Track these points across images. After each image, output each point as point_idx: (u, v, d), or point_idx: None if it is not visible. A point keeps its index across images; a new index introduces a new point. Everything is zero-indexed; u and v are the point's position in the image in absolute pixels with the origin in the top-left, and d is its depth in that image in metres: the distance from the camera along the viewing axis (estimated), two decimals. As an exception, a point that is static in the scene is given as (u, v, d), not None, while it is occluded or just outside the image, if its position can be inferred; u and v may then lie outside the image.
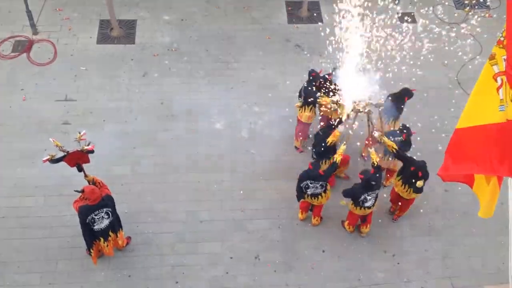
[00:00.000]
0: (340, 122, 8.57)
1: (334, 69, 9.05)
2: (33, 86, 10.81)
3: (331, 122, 8.78)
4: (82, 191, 7.53)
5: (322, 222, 8.83)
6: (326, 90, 9.03)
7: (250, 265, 8.60)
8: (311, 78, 9.12)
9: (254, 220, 9.08)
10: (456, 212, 9.32)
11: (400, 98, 9.03)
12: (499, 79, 4.95)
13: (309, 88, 9.10)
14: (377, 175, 8.09)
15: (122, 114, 10.47)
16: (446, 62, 11.47)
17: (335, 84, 8.90)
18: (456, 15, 12.42)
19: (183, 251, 8.69)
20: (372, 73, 8.31)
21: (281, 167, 9.75)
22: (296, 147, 9.99)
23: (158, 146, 10.01)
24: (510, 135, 4.94)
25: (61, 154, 7.52)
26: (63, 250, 8.57)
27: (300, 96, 9.44)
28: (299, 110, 9.39)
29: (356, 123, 8.52)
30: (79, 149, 7.59)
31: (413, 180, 8.26)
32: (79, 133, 7.61)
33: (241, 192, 9.40)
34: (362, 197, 8.07)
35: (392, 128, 9.10)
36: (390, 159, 8.85)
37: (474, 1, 12.69)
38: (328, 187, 8.41)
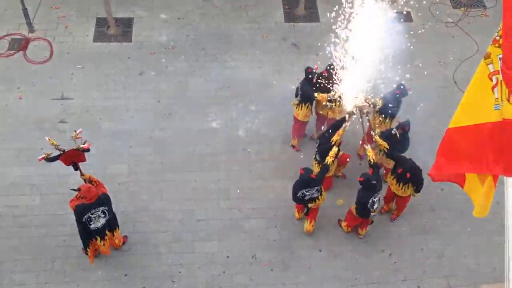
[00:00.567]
0: (344, 120, 8.56)
1: (330, 65, 9.04)
2: (29, 85, 10.78)
3: (336, 122, 8.73)
4: (79, 190, 7.51)
5: (319, 221, 8.83)
6: (322, 87, 9.02)
7: (247, 264, 8.61)
8: (307, 74, 9.12)
9: (251, 220, 9.08)
10: (452, 211, 9.35)
11: (395, 96, 9.03)
12: (494, 78, 4.96)
13: (306, 86, 9.10)
14: (376, 173, 8.09)
15: (119, 112, 10.45)
16: (442, 61, 11.48)
17: (332, 81, 8.87)
18: (450, 13, 12.43)
19: (180, 250, 8.68)
20: (367, 72, 8.32)
21: (278, 166, 9.76)
22: (292, 145, 10.00)
23: (155, 144, 9.99)
24: (505, 134, 4.94)
25: (57, 152, 7.50)
26: (60, 249, 8.56)
27: (296, 94, 9.45)
28: (296, 108, 9.40)
29: (348, 122, 8.53)
30: (75, 148, 7.57)
31: (407, 182, 8.30)
32: (75, 131, 7.60)
33: (238, 191, 9.40)
34: (370, 201, 8.02)
35: (389, 127, 9.12)
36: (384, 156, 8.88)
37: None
38: (323, 189, 8.40)
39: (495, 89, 4.95)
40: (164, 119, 10.39)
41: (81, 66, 11.15)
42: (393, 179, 8.55)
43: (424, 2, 11.46)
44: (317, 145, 8.90)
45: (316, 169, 8.98)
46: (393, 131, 8.65)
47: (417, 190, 8.51)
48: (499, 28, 4.78)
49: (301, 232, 8.95)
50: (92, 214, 7.62)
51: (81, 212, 7.57)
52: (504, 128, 4.90)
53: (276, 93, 10.70)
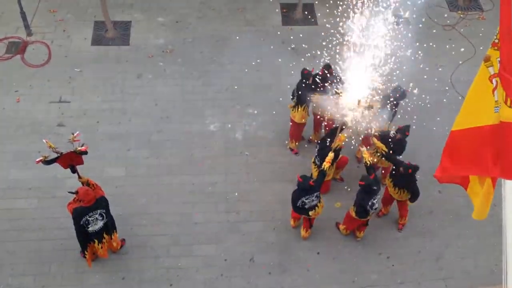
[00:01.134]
0: (344, 126, 8.58)
1: (326, 66, 9.05)
2: (27, 88, 10.77)
3: (336, 127, 8.75)
4: (76, 193, 7.51)
5: (317, 224, 8.84)
6: (319, 87, 9.02)
7: (244, 267, 8.60)
8: (303, 76, 9.12)
9: (248, 222, 9.08)
10: (450, 214, 9.36)
11: (393, 99, 9.05)
12: (494, 80, 4.98)
13: (302, 87, 9.11)
14: (375, 177, 8.08)
15: (116, 115, 10.45)
16: (439, 64, 11.51)
17: (329, 81, 8.88)
18: (447, 16, 12.47)
19: (178, 254, 8.67)
20: (365, 75, 8.33)
21: (275, 168, 9.76)
22: (290, 148, 10.00)
23: (152, 147, 9.99)
24: (502, 136, 4.96)
25: (54, 155, 7.49)
26: (57, 253, 8.53)
27: (293, 96, 9.46)
28: (292, 110, 9.41)
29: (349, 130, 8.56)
30: (72, 150, 7.56)
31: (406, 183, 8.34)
32: (73, 134, 7.59)
33: (236, 194, 9.40)
34: (370, 203, 8.04)
35: (387, 129, 9.12)
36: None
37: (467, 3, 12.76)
38: (321, 195, 8.40)
39: (495, 92, 4.97)
40: (161, 122, 10.39)
41: (79, 70, 11.15)
42: (390, 182, 8.57)
43: (418, 1, 11.48)
44: (317, 149, 8.89)
45: (315, 173, 9.00)
46: (391, 133, 8.66)
47: (413, 199, 8.54)
48: (497, 31, 4.80)
49: (298, 234, 8.95)
50: (90, 217, 7.60)
51: (79, 215, 7.56)
52: (501, 130, 4.92)
53: (274, 96, 10.72)
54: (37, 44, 11.55)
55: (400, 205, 8.88)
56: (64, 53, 11.44)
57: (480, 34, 11.85)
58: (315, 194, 8.11)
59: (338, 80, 8.85)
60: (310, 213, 8.31)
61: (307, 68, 9.23)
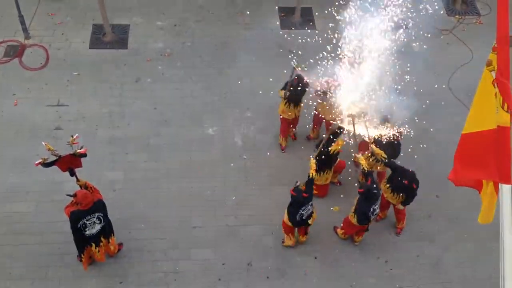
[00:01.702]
0: (340, 131, 8.59)
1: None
2: (25, 91, 10.76)
3: (333, 132, 8.77)
4: (74, 196, 7.50)
5: (315, 228, 8.82)
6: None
7: (242, 271, 8.58)
8: (302, 84, 9.17)
9: (247, 227, 9.06)
10: (448, 218, 9.36)
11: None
12: (496, 84, 5.00)
13: (298, 91, 9.19)
14: (374, 183, 8.08)
15: (115, 119, 10.44)
16: (436, 68, 11.53)
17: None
18: (443, 20, 12.51)
19: (176, 258, 8.65)
20: (362, 79, 8.36)
21: (274, 173, 9.76)
22: (280, 144, 10.02)
23: (151, 151, 9.98)
24: (500, 140, 4.98)
25: (53, 158, 7.48)
26: (55, 257, 8.51)
27: (285, 87, 9.39)
28: (281, 102, 9.42)
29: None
30: (71, 153, 7.56)
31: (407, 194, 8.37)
32: (72, 136, 7.59)
33: (234, 198, 9.39)
34: (371, 209, 8.03)
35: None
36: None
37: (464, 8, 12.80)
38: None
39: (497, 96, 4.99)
40: (160, 126, 10.38)
41: (77, 73, 11.14)
42: (387, 188, 8.57)
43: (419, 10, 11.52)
44: (315, 154, 8.89)
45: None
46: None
47: (406, 202, 8.55)
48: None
49: (296, 239, 8.93)
50: (87, 220, 7.59)
51: (76, 218, 7.54)
52: (497, 134, 4.94)
53: (272, 100, 10.68)
54: (35, 48, 11.54)
55: (396, 209, 8.87)
56: (62, 56, 11.44)
57: (478, 39, 11.89)
58: (310, 202, 8.11)
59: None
60: (309, 221, 8.31)
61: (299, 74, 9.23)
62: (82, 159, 7.73)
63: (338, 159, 9.06)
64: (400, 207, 8.69)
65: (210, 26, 12.27)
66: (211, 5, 12.75)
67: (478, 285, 8.57)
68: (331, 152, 8.55)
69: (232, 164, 9.83)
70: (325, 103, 9.35)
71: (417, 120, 10.02)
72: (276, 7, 12.69)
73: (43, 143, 7.49)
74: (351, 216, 8.35)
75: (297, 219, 8.19)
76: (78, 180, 7.77)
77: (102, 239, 7.95)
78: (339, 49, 8.40)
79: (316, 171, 8.86)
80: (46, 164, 7.46)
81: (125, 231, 8.81)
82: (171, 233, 8.91)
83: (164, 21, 12.33)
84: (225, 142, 10.20)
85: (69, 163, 7.60)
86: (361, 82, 8.36)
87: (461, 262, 8.88)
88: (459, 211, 9.30)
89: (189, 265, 8.57)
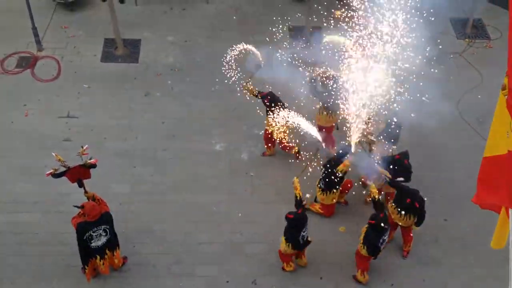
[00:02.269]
0: (347, 151, 8.58)
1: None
2: (36, 102, 10.85)
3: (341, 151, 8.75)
4: (82, 207, 7.52)
5: (321, 248, 8.75)
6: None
7: (247, 289, 8.51)
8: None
9: (252, 244, 9.01)
10: (456, 242, 9.25)
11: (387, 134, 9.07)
12: None
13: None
14: (385, 215, 7.96)
15: (123, 132, 10.49)
16: (446, 91, 11.50)
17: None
18: (453, 43, 12.53)
19: (180, 273, 8.59)
20: (370, 101, 8.36)
21: (280, 190, 9.72)
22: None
23: (158, 165, 10.00)
24: (508, 165, 4.96)
25: (63, 169, 7.52)
26: (59, 268, 8.48)
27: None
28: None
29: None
30: (81, 164, 7.60)
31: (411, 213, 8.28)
32: (82, 147, 7.65)
33: (240, 214, 9.35)
34: (381, 240, 7.92)
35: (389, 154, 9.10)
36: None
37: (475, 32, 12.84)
38: None
39: None
40: (167, 140, 10.41)
41: (87, 86, 11.23)
42: (394, 208, 8.50)
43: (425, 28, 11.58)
44: (322, 172, 8.87)
45: (320, 196, 8.98)
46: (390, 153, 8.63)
47: (418, 223, 8.47)
48: None
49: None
50: (93, 232, 7.59)
51: (83, 230, 7.55)
52: (509, 160, 4.91)
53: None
54: (47, 59, 11.68)
55: (404, 231, 8.79)
56: (73, 69, 11.56)
57: (487, 62, 11.90)
58: (307, 222, 8.05)
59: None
60: (310, 239, 8.25)
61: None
62: (92, 169, 7.76)
63: (345, 179, 9.02)
64: (415, 228, 8.58)
65: (220, 43, 12.33)
66: (223, 23, 12.87)
67: (484, 311, 8.45)
68: (339, 172, 8.52)
69: (238, 180, 9.81)
70: (325, 112, 9.40)
71: (425, 143, 10.03)
72: (286, 25, 12.74)
73: (53, 153, 7.54)
74: (360, 247, 8.17)
75: (301, 242, 8.12)
76: (86, 192, 7.79)
77: (107, 251, 7.93)
78: (346, 70, 8.42)
79: (323, 190, 8.85)
80: (56, 175, 7.50)
81: (129, 244, 8.78)
82: (176, 248, 8.87)
83: (175, 36, 12.46)
84: (232, 157, 10.21)
85: (78, 174, 7.64)
86: (367, 105, 8.37)
87: None
88: (467, 236, 9.20)
89: (192, 282, 8.51)
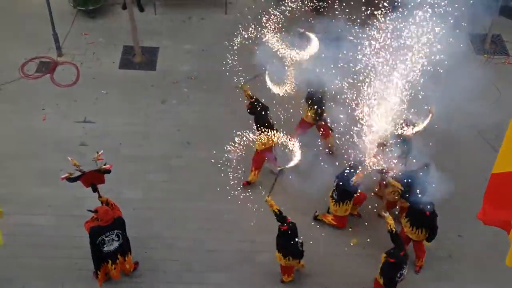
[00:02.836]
0: (360, 163, 8.54)
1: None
2: (54, 107, 11.02)
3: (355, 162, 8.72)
4: (95, 211, 7.58)
5: (332, 260, 8.68)
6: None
7: (256, 298, 8.49)
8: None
9: (262, 253, 8.97)
10: (469, 259, 9.11)
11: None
12: None
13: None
14: (405, 253, 7.86)
15: (138, 138, 10.59)
16: (463, 107, 11.38)
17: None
18: (471, 59, 12.43)
19: (189, 280, 8.61)
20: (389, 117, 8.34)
21: (291, 200, 9.67)
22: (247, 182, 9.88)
23: (171, 172, 10.05)
24: None
25: (78, 173, 7.61)
26: (71, 272, 8.55)
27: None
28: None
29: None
30: (96, 169, 7.68)
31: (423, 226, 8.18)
32: (97, 152, 7.73)
33: (251, 223, 9.33)
34: (398, 274, 7.80)
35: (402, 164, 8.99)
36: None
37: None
38: None
39: None
40: (182, 147, 10.48)
41: (105, 92, 11.38)
42: (406, 222, 8.43)
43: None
44: (335, 183, 8.84)
45: (332, 207, 8.94)
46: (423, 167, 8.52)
47: (430, 238, 8.37)
48: None
49: (311, 269, 8.78)
50: (106, 237, 7.65)
51: (96, 234, 7.61)
52: None
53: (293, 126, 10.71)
54: (67, 65, 11.87)
55: (416, 245, 8.70)
56: (92, 75, 11.72)
57: (506, 79, 11.77)
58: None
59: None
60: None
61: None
62: (107, 174, 7.84)
63: (359, 191, 8.97)
64: (426, 243, 8.49)
65: (237, 52, 12.39)
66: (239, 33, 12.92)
67: (498, 330, 8.29)
68: (353, 183, 8.48)
69: (250, 190, 9.81)
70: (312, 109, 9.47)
71: (441, 158, 9.91)
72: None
73: (68, 158, 7.64)
74: (378, 277, 8.02)
75: (300, 249, 8.09)
76: (100, 196, 7.87)
77: (119, 256, 7.98)
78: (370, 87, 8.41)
79: (336, 201, 8.81)
80: (71, 179, 7.60)
81: (141, 250, 8.82)
82: (186, 255, 8.89)
83: (193, 45, 12.57)
84: (246, 167, 10.20)
85: (93, 179, 7.72)
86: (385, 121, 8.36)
87: (481, 305, 8.62)
88: (480, 252, 9.06)
89: (202, 289, 8.52)
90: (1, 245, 7.35)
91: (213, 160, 10.26)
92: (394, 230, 7.78)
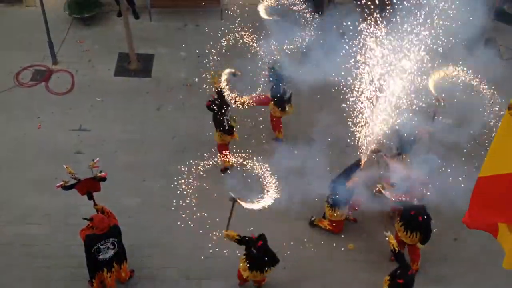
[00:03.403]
0: (358, 165, 8.55)
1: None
2: (49, 115, 11.00)
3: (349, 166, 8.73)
4: (91, 220, 7.56)
5: (328, 263, 8.68)
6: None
7: (253, 305, 8.46)
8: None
9: (260, 260, 8.95)
10: (465, 262, 9.13)
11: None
12: None
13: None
14: (413, 274, 7.77)
15: (134, 146, 10.57)
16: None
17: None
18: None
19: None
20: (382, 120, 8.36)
21: (289, 206, 9.67)
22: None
23: (168, 179, 10.03)
24: None
25: (73, 181, 7.59)
26: (66, 282, 8.51)
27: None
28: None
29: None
30: (91, 177, 7.67)
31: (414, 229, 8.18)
32: (93, 160, 7.72)
33: (248, 230, 9.29)
34: None
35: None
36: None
37: None
38: None
39: None
40: (178, 154, 10.46)
41: (100, 99, 11.37)
42: (400, 226, 8.44)
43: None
44: (330, 188, 8.84)
45: (328, 212, 8.94)
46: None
47: (424, 240, 8.38)
48: None
49: (310, 274, 8.78)
50: (101, 245, 7.62)
51: (91, 242, 7.58)
52: None
53: (293, 133, 10.74)
54: (62, 73, 11.85)
55: (411, 249, 8.70)
56: (87, 82, 11.71)
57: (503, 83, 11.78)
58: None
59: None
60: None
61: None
62: (102, 182, 7.82)
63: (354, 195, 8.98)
64: (420, 246, 8.50)
65: (233, 60, 12.42)
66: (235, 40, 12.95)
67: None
68: (347, 189, 8.49)
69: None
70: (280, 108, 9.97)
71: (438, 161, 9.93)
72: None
73: (64, 166, 7.62)
74: None
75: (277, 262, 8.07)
76: (95, 204, 7.85)
77: (114, 264, 7.95)
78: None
79: (331, 206, 8.81)
80: (67, 187, 7.58)
81: (137, 258, 8.79)
82: (183, 263, 8.86)
83: (188, 52, 12.58)
84: (242, 173, 10.19)
85: (88, 186, 7.71)
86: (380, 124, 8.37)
87: (478, 309, 8.62)
88: (476, 256, 9.07)
89: (199, 297, 8.49)
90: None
91: (209, 167, 10.25)
92: (397, 249, 7.72)
